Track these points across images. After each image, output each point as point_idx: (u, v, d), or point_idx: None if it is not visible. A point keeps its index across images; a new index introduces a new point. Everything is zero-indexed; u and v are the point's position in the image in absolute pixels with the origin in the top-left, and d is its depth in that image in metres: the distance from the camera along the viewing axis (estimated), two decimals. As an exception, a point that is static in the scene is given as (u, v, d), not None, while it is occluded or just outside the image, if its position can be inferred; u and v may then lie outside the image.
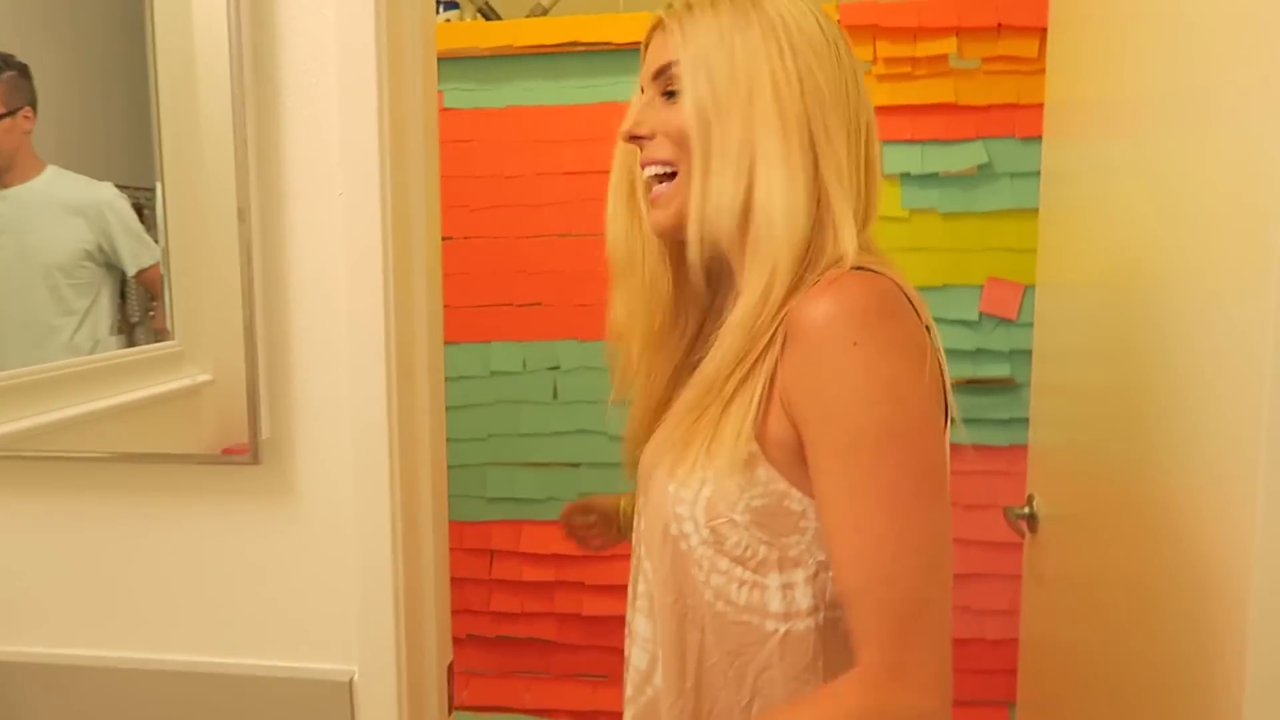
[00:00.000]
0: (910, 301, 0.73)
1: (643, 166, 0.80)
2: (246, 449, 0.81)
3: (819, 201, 0.74)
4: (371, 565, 0.82)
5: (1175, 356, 0.96)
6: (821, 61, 0.75)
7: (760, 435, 0.73)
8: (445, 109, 1.95)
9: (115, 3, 0.82)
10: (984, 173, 1.84)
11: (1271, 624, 0.77)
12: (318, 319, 0.81)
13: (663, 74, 0.81)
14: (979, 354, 1.88)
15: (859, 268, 0.72)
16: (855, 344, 0.68)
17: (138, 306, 0.89)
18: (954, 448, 1.87)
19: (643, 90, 0.84)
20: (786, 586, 0.76)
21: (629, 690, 0.84)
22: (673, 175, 0.79)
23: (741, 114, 0.74)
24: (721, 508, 0.74)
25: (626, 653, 0.86)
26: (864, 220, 0.77)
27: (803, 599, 0.76)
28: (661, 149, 0.79)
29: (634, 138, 0.80)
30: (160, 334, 0.89)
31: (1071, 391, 1.34)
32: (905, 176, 1.86)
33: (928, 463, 0.70)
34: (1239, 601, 0.80)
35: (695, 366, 0.79)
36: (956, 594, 1.89)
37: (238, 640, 0.86)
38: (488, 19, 2.16)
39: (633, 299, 0.83)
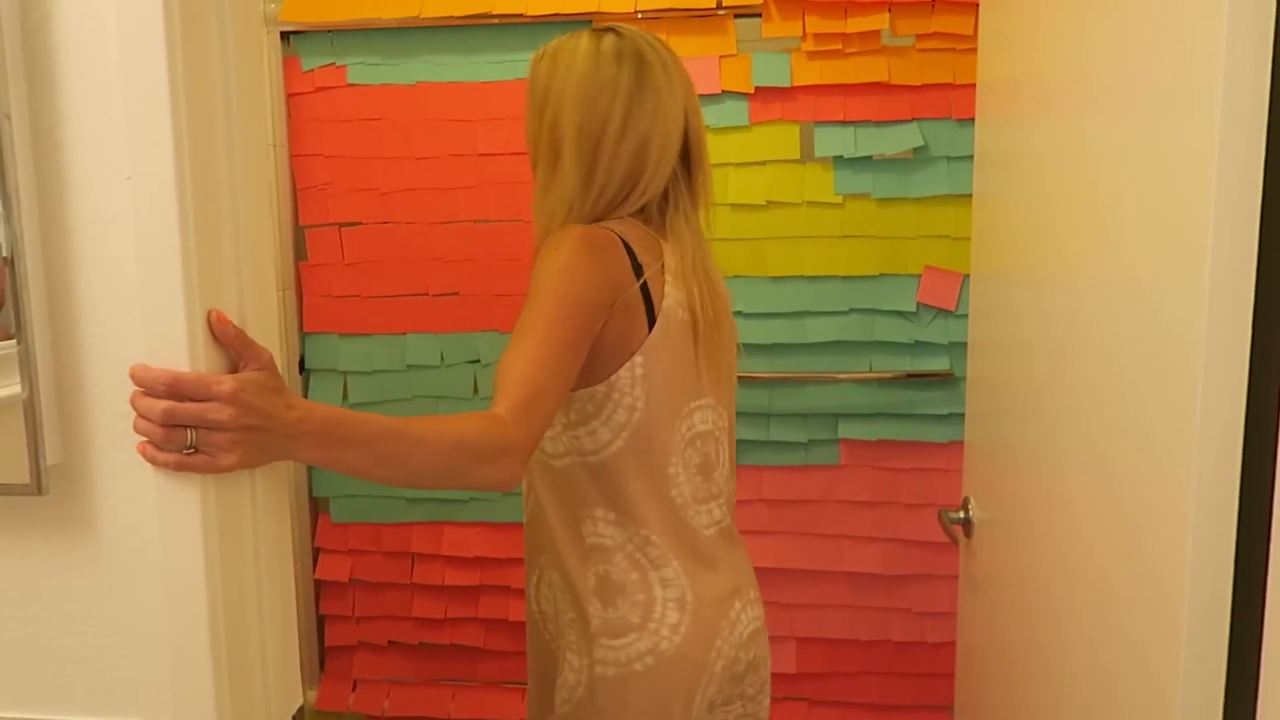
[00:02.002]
0: (628, 246, 1.04)
1: None
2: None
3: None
4: (182, 605, 0.71)
5: (1106, 350, 0.92)
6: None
7: None
8: (349, 85, 1.83)
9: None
10: (920, 156, 1.75)
11: (1205, 623, 0.76)
12: (111, 327, 0.70)
13: None
14: (917, 346, 1.80)
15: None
16: (555, 248, 1.00)
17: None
18: (890, 444, 1.81)
19: None
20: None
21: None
22: None
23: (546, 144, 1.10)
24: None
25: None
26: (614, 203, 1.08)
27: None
28: None
29: None
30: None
31: (1005, 387, 1.27)
32: (839, 160, 1.77)
33: (571, 311, 0.96)
34: (1174, 602, 0.77)
35: None
36: (896, 596, 1.84)
37: (30, 692, 0.75)
38: (401, -11, 2.03)
39: None
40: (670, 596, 1.06)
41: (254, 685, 0.78)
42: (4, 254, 0.68)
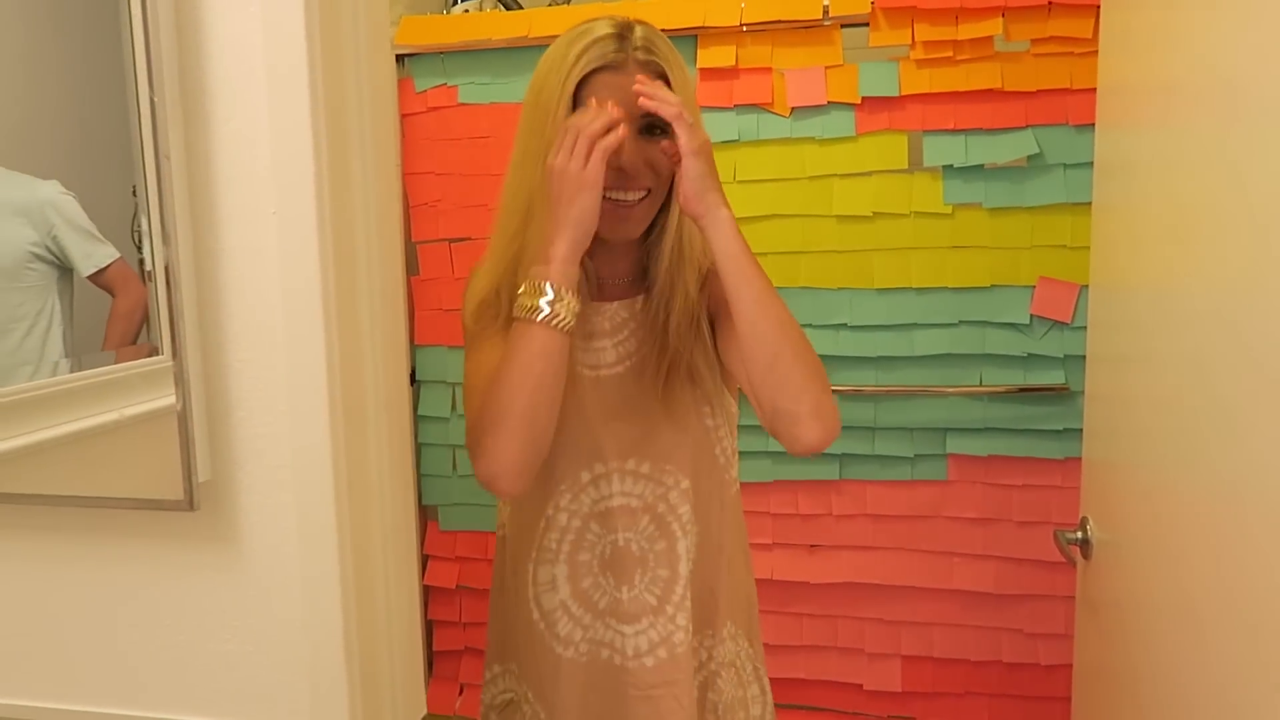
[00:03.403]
0: None
1: (615, 189, 1.00)
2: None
3: None
4: (318, 618, 0.75)
5: (1242, 366, 0.87)
6: None
7: None
8: (460, 104, 1.88)
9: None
10: (1034, 164, 1.70)
11: None
12: (256, 352, 0.74)
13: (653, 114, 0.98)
14: (1030, 360, 1.75)
15: None
16: None
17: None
18: (1002, 460, 1.75)
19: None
20: None
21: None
22: (644, 197, 1.03)
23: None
24: (724, 433, 1.16)
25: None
26: None
27: None
28: (645, 178, 1.02)
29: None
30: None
31: (1128, 402, 1.22)
32: (948, 169, 1.73)
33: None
34: None
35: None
36: (1008, 616, 1.78)
37: (178, 695, 0.80)
38: (508, 9, 2.08)
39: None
40: None
41: (382, 693, 0.81)
42: (161, 278, 0.73)
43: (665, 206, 1.07)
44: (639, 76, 0.97)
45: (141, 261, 0.78)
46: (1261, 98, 0.87)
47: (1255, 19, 0.87)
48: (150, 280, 0.73)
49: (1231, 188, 0.94)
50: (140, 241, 0.77)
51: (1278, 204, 0.84)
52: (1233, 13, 0.91)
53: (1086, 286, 1.55)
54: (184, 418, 0.73)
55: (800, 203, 1.77)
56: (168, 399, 0.75)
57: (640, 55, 1.01)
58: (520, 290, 0.93)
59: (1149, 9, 1.14)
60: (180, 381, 0.73)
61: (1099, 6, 1.34)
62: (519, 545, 1.12)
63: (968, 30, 1.67)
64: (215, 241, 0.73)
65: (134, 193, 0.78)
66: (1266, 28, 0.87)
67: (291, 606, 0.76)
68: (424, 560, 2.07)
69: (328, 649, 0.75)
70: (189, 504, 0.74)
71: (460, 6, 2.03)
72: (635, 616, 1.08)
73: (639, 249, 1.10)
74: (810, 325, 1.79)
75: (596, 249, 1.02)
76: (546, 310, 0.91)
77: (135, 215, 0.78)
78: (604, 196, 0.96)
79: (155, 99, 0.67)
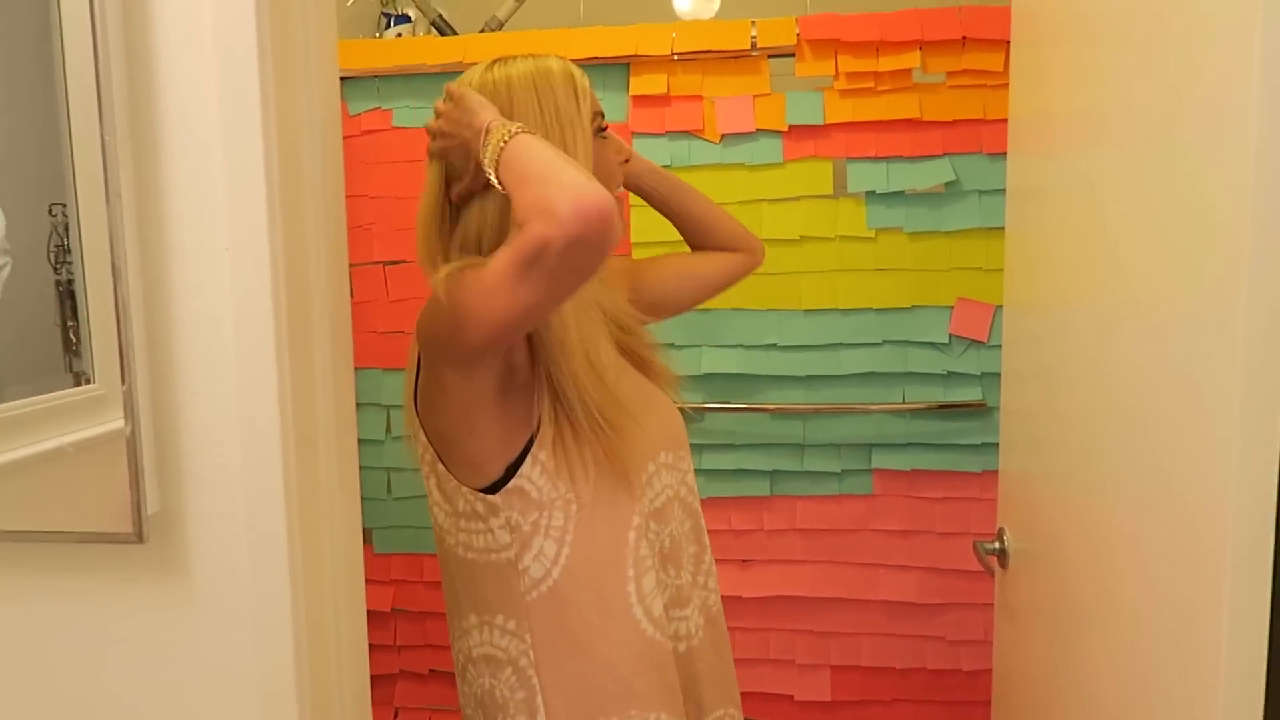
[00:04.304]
0: None
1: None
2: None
3: None
4: (270, 648, 0.75)
5: (1137, 382, 0.93)
6: None
7: None
8: (394, 128, 1.89)
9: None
10: (951, 190, 1.79)
11: (1244, 663, 0.75)
12: (208, 384, 0.74)
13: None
14: (950, 377, 1.83)
15: None
16: None
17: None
18: (924, 474, 1.82)
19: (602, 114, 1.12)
20: None
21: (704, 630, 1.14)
22: None
23: None
24: None
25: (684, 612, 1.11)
26: None
27: None
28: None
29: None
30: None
31: (1039, 416, 1.29)
32: (871, 195, 1.80)
33: None
34: (1209, 640, 0.77)
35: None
36: (931, 624, 1.85)
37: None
38: (442, 34, 2.09)
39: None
40: None
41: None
42: (111, 312, 0.73)
43: None
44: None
45: (58, 283, 0.78)
46: (1135, 127, 0.94)
47: (1131, 56, 0.94)
48: (67, 300, 0.73)
49: (1112, 211, 1.01)
50: (57, 261, 0.76)
51: (1145, 227, 0.92)
52: (1122, 49, 0.98)
53: (1001, 307, 1.63)
54: (133, 450, 0.73)
55: (730, 226, 1.83)
56: (104, 428, 0.75)
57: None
58: (482, 156, 0.91)
59: (1053, 46, 1.22)
60: (130, 414, 0.73)
61: (1009, 42, 1.42)
62: (608, 569, 1.02)
63: (888, 62, 1.74)
64: (167, 276, 0.73)
65: (50, 211, 0.78)
66: (1133, 64, 0.95)
67: (243, 637, 0.76)
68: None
69: (279, 679, 0.76)
70: (138, 536, 0.74)
71: (393, 30, 2.04)
72: (687, 599, 1.12)
73: None
74: (741, 345, 1.85)
75: None
76: (512, 130, 0.90)
77: (52, 235, 0.77)
78: (616, 192, 1.13)
79: (106, 138, 0.68)
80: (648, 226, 1.77)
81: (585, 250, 0.81)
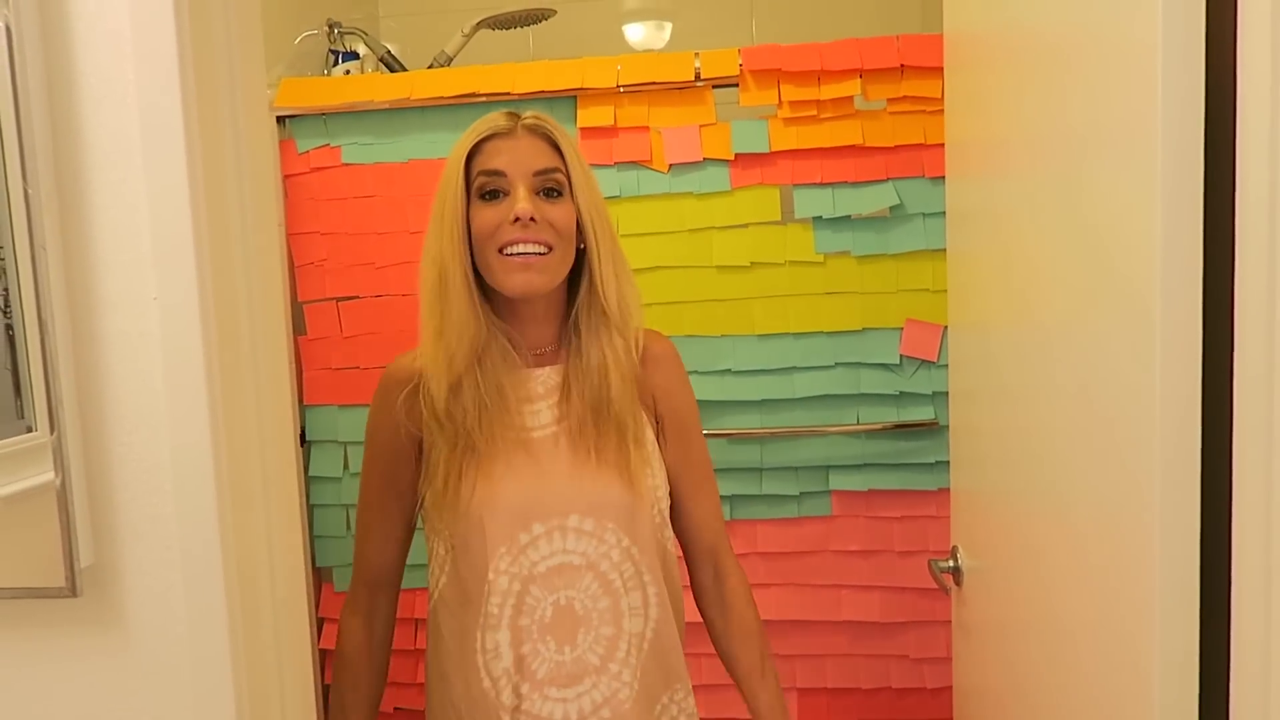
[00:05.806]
0: None
1: (517, 242, 1.08)
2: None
3: None
4: (209, 700, 0.74)
5: (1072, 399, 0.96)
6: None
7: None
8: (344, 164, 1.89)
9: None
10: (896, 214, 1.82)
11: (1176, 677, 0.77)
12: (140, 434, 0.74)
13: (546, 174, 1.12)
14: (902, 397, 1.85)
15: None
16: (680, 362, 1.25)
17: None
18: (881, 494, 1.84)
19: (501, 174, 1.11)
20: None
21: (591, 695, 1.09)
22: (546, 253, 1.09)
23: (606, 224, 1.15)
24: (662, 493, 1.18)
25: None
26: None
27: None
28: (545, 233, 1.09)
29: (529, 220, 1.08)
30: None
31: (985, 434, 1.32)
32: (818, 220, 1.83)
33: None
34: (1144, 653, 0.79)
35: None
36: (894, 644, 1.86)
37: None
38: (391, 70, 2.11)
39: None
40: None
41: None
42: (39, 364, 0.73)
43: (579, 273, 1.15)
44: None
45: (8, 327, 0.77)
46: (1052, 156, 0.97)
47: (1044, 83, 0.98)
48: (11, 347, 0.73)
49: (1037, 234, 1.04)
50: (6, 305, 0.76)
51: (1069, 249, 0.94)
52: (1034, 76, 1.01)
53: (948, 327, 1.66)
54: (64, 502, 0.72)
55: (681, 254, 1.85)
56: (36, 479, 0.74)
57: (529, 123, 1.14)
58: None
59: (979, 73, 1.26)
60: (60, 466, 0.72)
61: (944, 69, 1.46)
62: (464, 612, 1.09)
63: (829, 90, 1.78)
64: (96, 327, 0.73)
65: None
66: (1044, 91, 0.98)
67: (181, 689, 0.76)
68: (319, 623, 2.03)
69: (219, 730, 0.75)
70: (71, 590, 0.73)
71: (341, 68, 2.04)
72: (578, 677, 1.07)
73: (560, 317, 1.17)
74: (696, 371, 1.86)
75: (520, 317, 1.13)
76: None
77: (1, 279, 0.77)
78: (507, 253, 1.08)
79: (30, 191, 0.68)
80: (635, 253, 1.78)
81: None
